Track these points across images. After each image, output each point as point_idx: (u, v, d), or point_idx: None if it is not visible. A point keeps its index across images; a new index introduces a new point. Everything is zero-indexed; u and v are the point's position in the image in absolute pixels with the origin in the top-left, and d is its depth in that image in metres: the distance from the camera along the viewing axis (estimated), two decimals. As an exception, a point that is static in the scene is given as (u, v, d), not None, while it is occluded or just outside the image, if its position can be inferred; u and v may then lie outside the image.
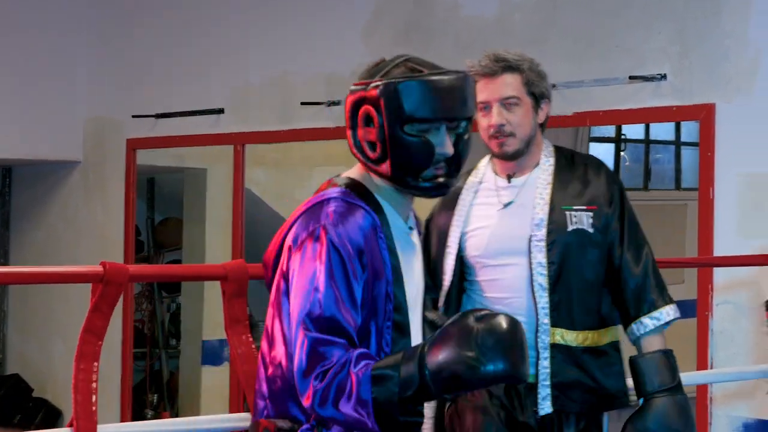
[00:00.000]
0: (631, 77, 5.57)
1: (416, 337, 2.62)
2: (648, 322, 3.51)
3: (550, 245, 3.45)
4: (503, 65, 3.46)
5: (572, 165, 3.58)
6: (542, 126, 3.59)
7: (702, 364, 5.25)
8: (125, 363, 7.90)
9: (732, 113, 5.32)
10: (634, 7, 5.67)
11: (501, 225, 3.52)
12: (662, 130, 9.94)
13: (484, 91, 3.48)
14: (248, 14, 7.44)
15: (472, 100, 2.59)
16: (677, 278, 7.74)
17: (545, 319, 3.43)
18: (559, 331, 3.45)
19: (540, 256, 3.44)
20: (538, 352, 3.44)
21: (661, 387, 3.43)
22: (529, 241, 3.46)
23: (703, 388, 5.28)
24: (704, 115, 5.36)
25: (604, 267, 3.53)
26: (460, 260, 3.55)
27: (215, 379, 8.33)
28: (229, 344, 3.47)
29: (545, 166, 3.56)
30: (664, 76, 5.48)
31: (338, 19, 6.97)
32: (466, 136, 2.57)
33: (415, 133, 2.51)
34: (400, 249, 2.60)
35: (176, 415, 8.58)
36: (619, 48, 5.68)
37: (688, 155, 9.52)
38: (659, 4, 5.58)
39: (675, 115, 5.68)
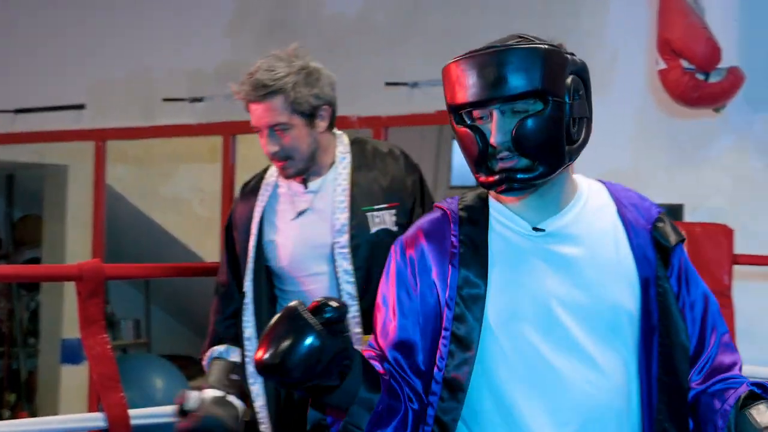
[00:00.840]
0: (492, 76, 5.62)
1: (494, 359, 2.22)
2: None
3: (354, 250, 3.26)
4: (263, 93, 3.24)
5: (371, 158, 3.39)
6: (331, 126, 3.37)
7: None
8: (-18, 363, 7.75)
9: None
10: (494, 7, 5.73)
11: (302, 234, 3.33)
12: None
13: (253, 115, 3.28)
14: (111, 9, 7.35)
15: (518, 73, 2.13)
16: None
17: (357, 329, 3.24)
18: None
19: (345, 264, 3.25)
20: None
21: None
22: (332, 248, 3.27)
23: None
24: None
25: None
26: (267, 269, 3.37)
27: (74, 378, 8.22)
28: (83, 345, 3.42)
29: (342, 164, 3.36)
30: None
31: (202, 16, 6.92)
32: (543, 112, 2.14)
33: (469, 123, 2.20)
34: (505, 256, 2.25)
35: (34, 415, 8.44)
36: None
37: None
38: (519, 3, 5.66)
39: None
